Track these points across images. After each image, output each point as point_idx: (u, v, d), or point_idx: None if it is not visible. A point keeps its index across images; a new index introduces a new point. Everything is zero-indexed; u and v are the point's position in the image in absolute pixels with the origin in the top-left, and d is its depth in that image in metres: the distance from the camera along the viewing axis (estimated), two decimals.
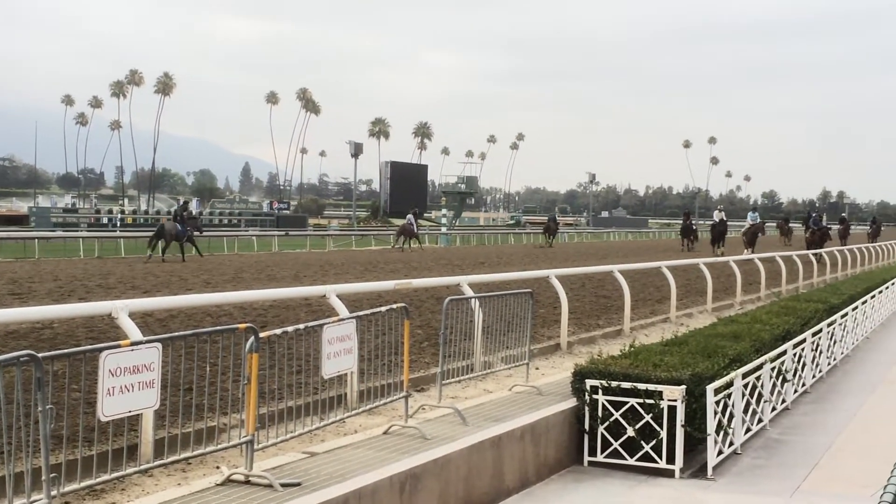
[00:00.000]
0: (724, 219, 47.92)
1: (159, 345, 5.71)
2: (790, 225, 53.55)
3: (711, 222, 51.73)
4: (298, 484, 6.31)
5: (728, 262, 23.45)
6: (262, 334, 6.35)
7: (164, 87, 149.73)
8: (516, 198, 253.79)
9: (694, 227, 53.08)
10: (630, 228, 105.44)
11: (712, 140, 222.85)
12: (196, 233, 36.85)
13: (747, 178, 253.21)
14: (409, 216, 50.15)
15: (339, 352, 7.27)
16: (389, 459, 7.09)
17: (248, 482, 6.28)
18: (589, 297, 21.10)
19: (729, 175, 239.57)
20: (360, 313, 7.92)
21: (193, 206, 57.46)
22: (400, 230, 51.72)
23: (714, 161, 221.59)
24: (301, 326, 7.03)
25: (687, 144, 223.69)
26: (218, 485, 6.25)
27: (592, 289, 22.71)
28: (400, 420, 8.27)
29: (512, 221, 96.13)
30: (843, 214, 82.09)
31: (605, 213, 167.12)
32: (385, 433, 8.01)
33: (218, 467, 6.93)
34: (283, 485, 6.22)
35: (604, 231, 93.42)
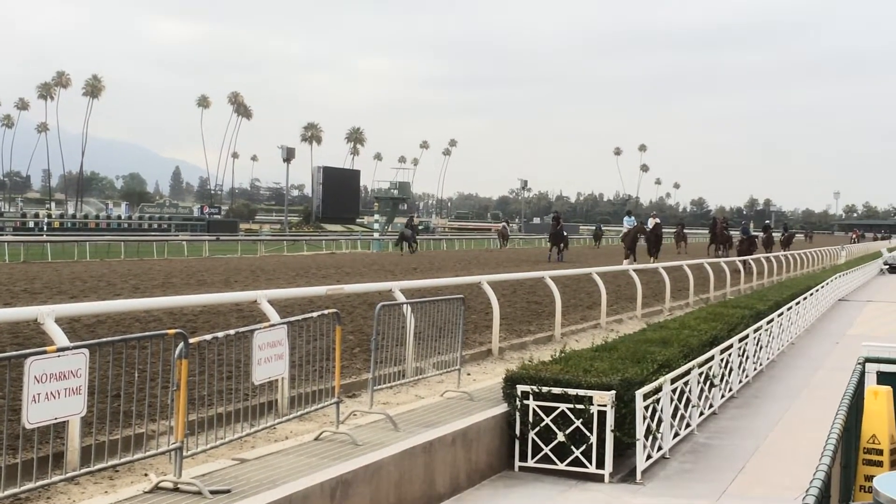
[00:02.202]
0: (659, 223, 44.82)
1: (86, 350, 5.63)
2: (730, 232, 51.63)
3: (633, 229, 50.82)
4: (228, 491, 6.26)
5: (657, 268, 23.71)
6: (191, 340, 6.29)
7: (93, 89, 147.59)
8: (449, 204, 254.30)
9: (565, 234, 48.34)
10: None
11: (643, 147, 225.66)
12: None
13: (676, 186, 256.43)
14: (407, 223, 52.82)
15: (270, 357, 7.23)
16: (320, 466, 7.07)
17: (176, 489, 6.21)
18: (521, 302, 21.20)
19: (659, 182, 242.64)
20: (292, 319, 7.88)
21: (122, 211, 56.71)
22: (400, 236, 54.78)
23: (644, 168, 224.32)
24: (231, 332, 6.98)
25: (618, 152, 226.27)
26: (146, 492, 6.17)
27: (524, 295, 22.83)
28: (331, 426, 8.24)
29: (421, 227, 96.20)
30: (767, 222, 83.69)
31: (536, 220, 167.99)
32: (316, 439, 7.98)
33: (146, 475, 6.85)
34: (212, 492, 6.16)
35: (536, 238, 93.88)
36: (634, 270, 21.33)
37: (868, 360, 6.62)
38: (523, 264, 39.60)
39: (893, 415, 5.39)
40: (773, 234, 62.35)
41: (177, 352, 6.13)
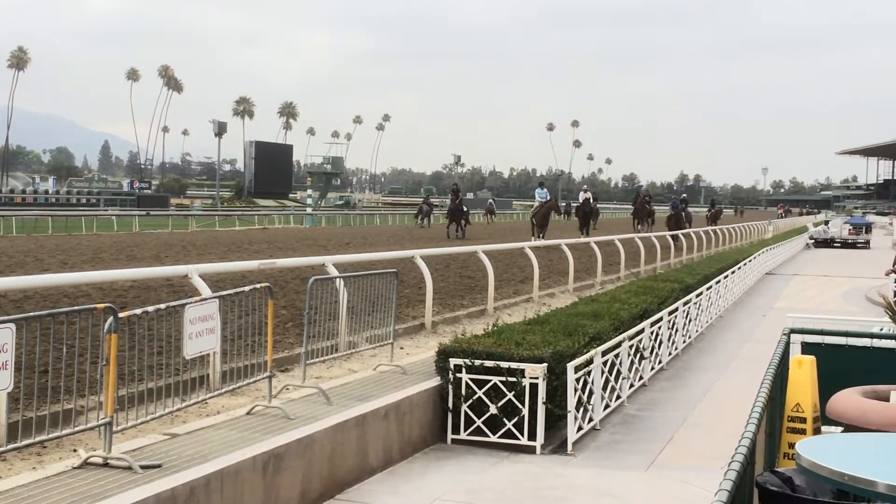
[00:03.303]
0: (590, 199, 44.16)
1: (13, 325, 5.54)
2: (652, 207, 51.45)
3: (576, 204, 50.11)
4: (159, 465, 6.22)
5: (589, 243, 23.91)
6: (121, 314, 6.21)
7: (18, 61, 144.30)
8: (382, 179, 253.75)
9: (465, 209, 44.65)
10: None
11: (575, 123, 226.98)
12: None
13: (609, 161, 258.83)
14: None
15: (202, 332, 7.17)
16: (252, 440, 7.05)
17: (106, 465, 6.15)
18: (454, 277, 21.27)
19: (591, 158, 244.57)
20: (223, 293, 7.82)
21: (50, 186, 55.74)
22: (419, 209, 59.32)
23: (577, 144, 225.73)
24: (162, 306, 6.91)
25: (550, 127, 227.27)
26: (75, 468, 6.10)
27: (457, 269, 22.90)
28: (264, 400, 8.21)
29: (341, 202, 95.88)
30: (714, 198, 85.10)
31: (470, 195, 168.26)
32: (248, 414, 7.95)
33: (75, 450, 6.78)
34: (142, 467, 6.12)
35: (472, 213, 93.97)
36: (567, 245, 21.46)
37: (793, 331, 6.76)
38: (456, 240, 39.68)
39: (816, 383, 5.52)
40: (719, 210, 63.32)
41: (106, 326, 6.05)
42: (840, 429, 4.97)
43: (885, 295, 5.80)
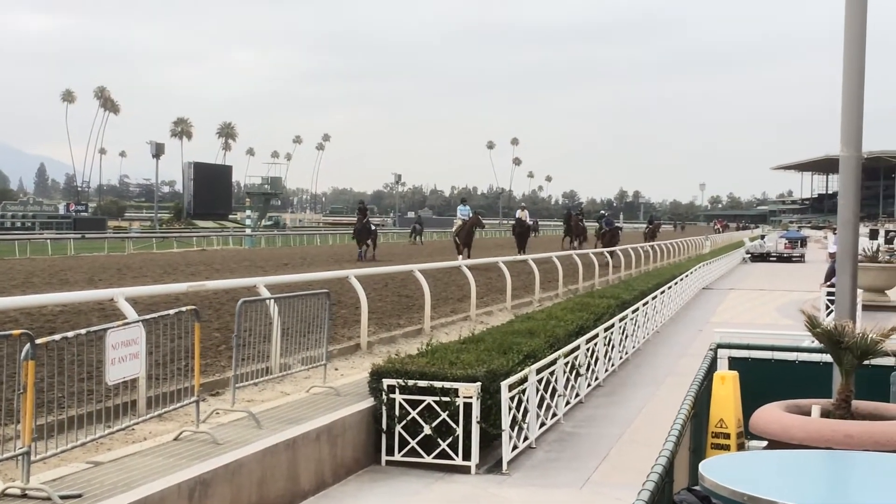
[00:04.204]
0: (526, 219, 42.55)
1: None
2: (585, 224, 51.41)
3: (512, 223, 49.40)
4: (80, 495, 6.07)
5: (527, 260, 23.95)
6: (38, 340, 6.06)
7: None
8: (323, 198, 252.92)
9: (373, 228, 41.79)
10: (436, 228, 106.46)
11: (515, 141, 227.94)
12: None
13: (549, 179, 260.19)
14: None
15: (125, 357, 7.03)
16: (179, 466, 6.91)
17: (24, 496, 5.99)
18: (391, 296, 21.17)
19: (531, 175, 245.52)
20: (147, 316, 7.69)
21: None
22: (413, 228, 66.54)
23: (517, 162, 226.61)
24: (82, 331, 6.76)
25: (490, 145, 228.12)
26: None
27: (395, 288, 22.80)
28: (192, 425, 8.07)
29: (270, 223, 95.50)
30: (652, 214, 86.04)
31: (411, 214, 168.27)
32: (176, 439, 7.81)
33: None
34: (62, 497, 5.97)
35: (410, 231, 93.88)
36: (504, 262, 21.47)
37: (720, 345, 6.78)
38: (396, 258, 39.58)
39: (739, 399, 5.52)
40: (657, 225, 63.80)
41: (23, 353, 5.91)
42: (764, 444, 4.98)
43: (805, 309, 5.84)
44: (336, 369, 11.97)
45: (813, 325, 5.13)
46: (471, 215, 35.93)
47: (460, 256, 32.25)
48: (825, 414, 4.91)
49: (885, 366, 6.23)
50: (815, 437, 4.51)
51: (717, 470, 2.84)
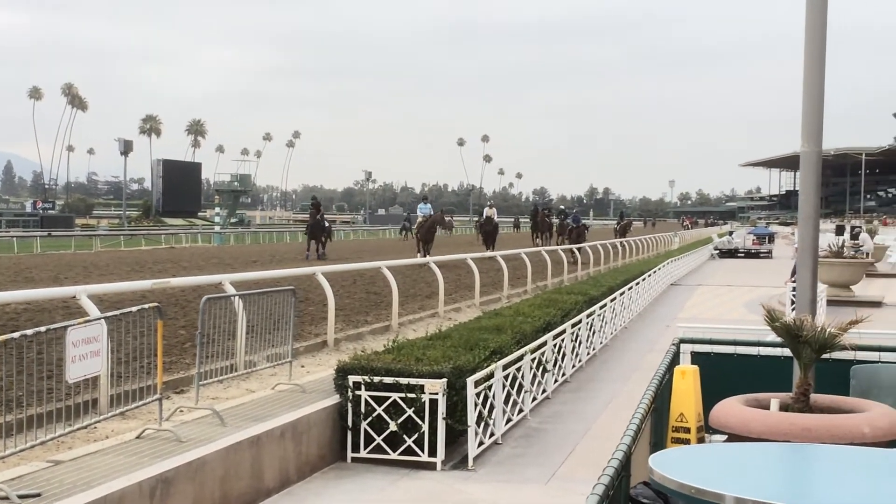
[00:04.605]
0: (494, 216, 41.54)
1: None
2: (552, 220, 51.01)
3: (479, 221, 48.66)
4: (38, 494, 6.01)
5: (496, 256, 23.97)
6: None
7: None
8: (293, 196, 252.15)
9: (326, 225, 39.81)
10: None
11: (485, 138, 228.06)
12: None
13: (519, 176, 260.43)
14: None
15: (86, 354, 6.96)
16: (140, 464, 6.86)
17: None
18: (359, 293, 21.11)
19: (502, 172, 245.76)
20: (109, 314, 7.63)
21: None
22: (402, 227, 68.22)
23: (487, 159, 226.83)
24: (42, 329, 6.69)
25: (461, 142, 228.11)
26: None
27: (364, 285, 22.73)
28: (155, 423, 8.01)
29: (235, 220, 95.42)
30: (622, 211, 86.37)
31: (381, 211, 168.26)
32: (138, 437, 7.75)
33: None
34: (20, 496, 5.91)
35: (380, 228, 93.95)
36: (472, 259, 21.47)
37: (683, 340, 6.80)
38: (365, 255, 39.52)
39: (700, 393, 5.54)
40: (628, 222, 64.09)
41: None
42: (724, 437, 4.99)
43: (767, 304, 5.87)
44: (302, 366, 11.93)
45: (772, 319, 5.15)
46: (431, 213, 35.37)
47: (419, 254, 31.65)
48: (784, 408, 4.93)
49: (845, 360, 6.27)
50: (773, 431, 4.53)
51: (667, 463, 2.84)
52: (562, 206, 69.31)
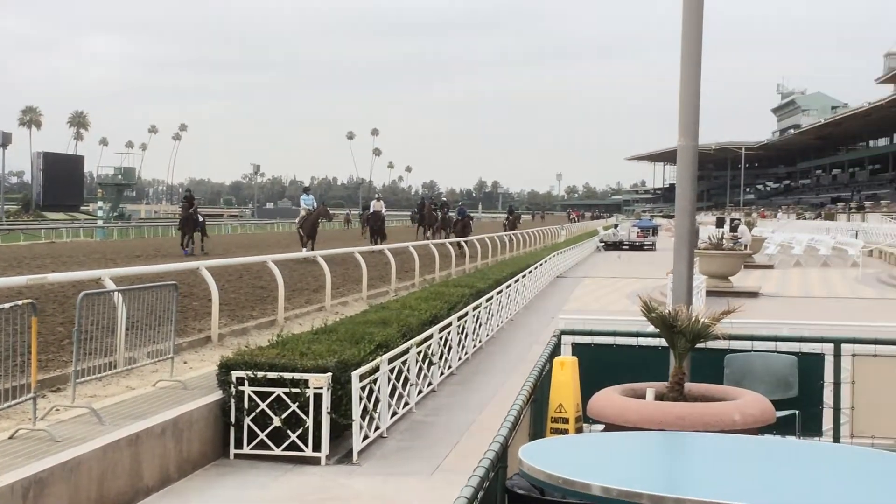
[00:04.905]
0: (381, 210, 41.09)
1: None
2: (438, 213, 50.91)
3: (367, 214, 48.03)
4: None
5: (383, 250, 23.95)
6: None
7: None
8: (180, 189, 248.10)
9: (200, 219, 37.13)
10: (292, 219, 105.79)
11: (375, 132, 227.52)
12: None
13: (409, 169, 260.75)
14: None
15: None
16: (13, 466, 6.66)
17: None
18: (245, 288, 20.87)
19: (391, 166, 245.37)
20: None
21: None
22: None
23: (377, 152, 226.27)
24: None
25: (350, 136, 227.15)
26: None
27: (250, 280, 22.49)
28: (29, 423, 7.79)
29: (115, 214, 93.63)
30: (511, 205, 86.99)
31: (269, 205, 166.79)
32: (11, 438, 7.53)
33: None
34: None
35: (268, 222, 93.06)
36: (360, 253, 21.41)
37: (564, 332, 6.89)
38: (253, 249, 39.09)
39: (578, 383, 5.62)
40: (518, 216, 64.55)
41: None
42: (601, 427, 5.07)
43: (644, 296, 6.00)
44: (185, 362, 11.74)
45: (649, 310, 5.26)
46: (315, 206, 34.65)
47: (304, 249, 31.08)
48: (659, 397, 5.03)
49: (720, 349, 6.43)
50: (648, 420, 4.62)
51: (538, 454, 2.86)
52: (443, 199, 69.04)
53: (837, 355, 6.81)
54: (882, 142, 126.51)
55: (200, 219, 37.75)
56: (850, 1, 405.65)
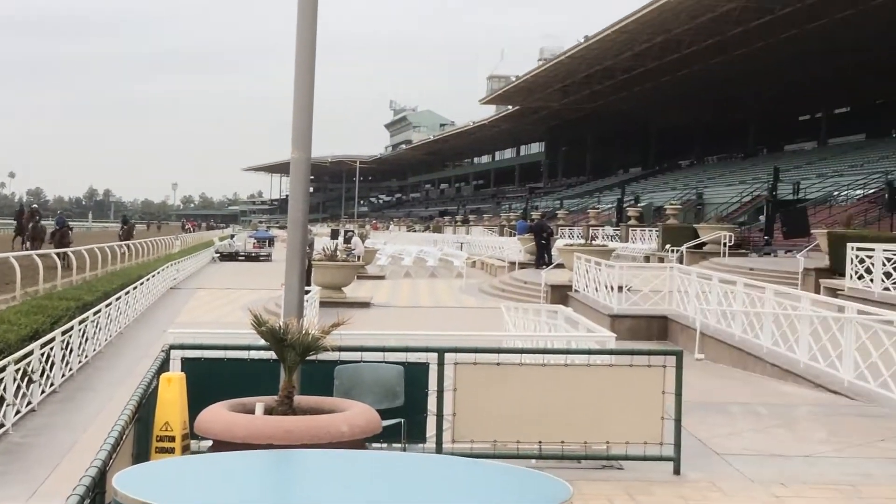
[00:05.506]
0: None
1: None
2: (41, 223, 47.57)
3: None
4: None
5: None
6: None
7: None
8: None
9: None
10: None
11: None
12: None
13: (12, 175, 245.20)
14: None
15: None
16: None
17: None
18: None
19: None
20: None
21: None
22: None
23: None
24: None
25: None
26: None
27: None
28: None
29: None
30: (125, 214, 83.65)
31: None
32: None
33: None
34: None
35: None
36: None
37: (173, 346, 6.68)
38: None
39: (186, 401, 5.45)
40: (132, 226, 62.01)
41: None
42: (209, 444, 4.94)
43: (252, 308, 5.94)
44: None
45: (259, 323, 5.19)
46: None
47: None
48: (269, 411, 4.98)
49: (331, 361, 6.48)
50: (256, 435, 4.55)
51: (131, 481, 2.72)
52: (34, 206, 65.17)
53: (441, 364, 7.05)
54: (485, 159, 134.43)
55: None
56: (457, 25, 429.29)
